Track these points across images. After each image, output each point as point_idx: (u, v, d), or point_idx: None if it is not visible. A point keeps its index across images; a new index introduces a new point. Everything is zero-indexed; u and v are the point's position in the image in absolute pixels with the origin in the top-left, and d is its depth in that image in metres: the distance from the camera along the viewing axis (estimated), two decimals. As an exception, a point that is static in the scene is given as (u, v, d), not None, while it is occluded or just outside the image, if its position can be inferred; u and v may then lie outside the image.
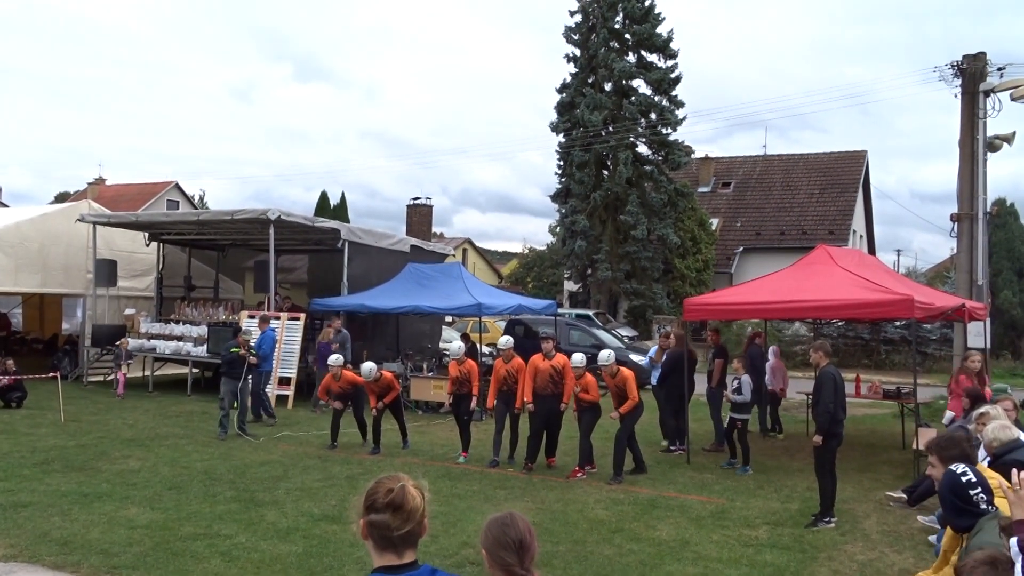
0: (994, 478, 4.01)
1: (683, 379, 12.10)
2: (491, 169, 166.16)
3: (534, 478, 10.25)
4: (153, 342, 18.34)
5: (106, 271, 19.22)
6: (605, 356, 10.42)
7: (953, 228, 16.96)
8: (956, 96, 16.76)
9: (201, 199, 59.48)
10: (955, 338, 17.78)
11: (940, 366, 26.10)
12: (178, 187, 52.77)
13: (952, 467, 3.85)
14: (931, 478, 8.75)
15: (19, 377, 15.24)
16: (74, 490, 8.97)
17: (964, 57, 16.64)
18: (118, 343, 17.76)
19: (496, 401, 11.20)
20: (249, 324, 15.93)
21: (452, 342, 11.90)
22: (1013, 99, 15.93)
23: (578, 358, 10.41)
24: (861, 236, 40.29)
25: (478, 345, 16.24)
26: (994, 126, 16.71)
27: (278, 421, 14.23)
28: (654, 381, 13.15)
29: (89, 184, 51.61)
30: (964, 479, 3.49)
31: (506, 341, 11.42)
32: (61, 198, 55.99)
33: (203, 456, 11.11)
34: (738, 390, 11.08)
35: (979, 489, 3.59)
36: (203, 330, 17.76)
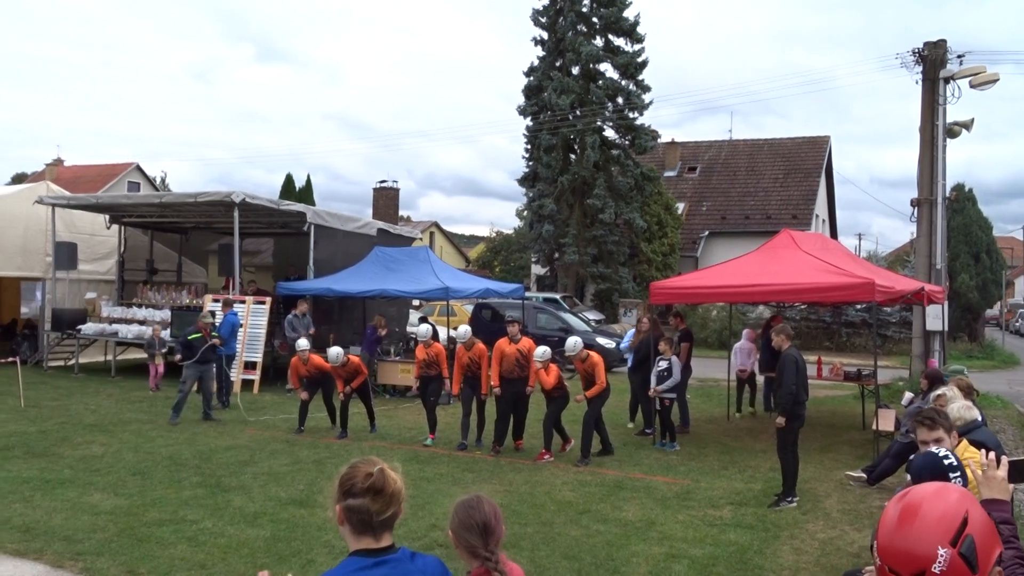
0: (976, 454, 4.09)
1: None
2: (456, 152, 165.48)
3: (502, 461, 10.31)
4: (115, 326, 18.07)
5: (66, 254, 18.86)
6: (572, 344, 10.45)
7: (913, 213, 17.27)
8: (917, 83, 17.02)
9: (163, 181, 58.47)
10: (914, 321, 18.14)
11: (900, 348, 26.64)
12: (139, 169, 51.83)
13: (934, 449, 3.92)
14: (890, 456, 8.99)
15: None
16: (36, 476, 8.85)
17: (925, 44, 16.89)
18: (152, 331, 16.61)
19: (462, 385, 11.23)
20: (214, 307, 15.76)
21: (420, 325, 11.85)
22: (972, 86, 16.23)
23: (540, 352, 10.40)
24: (824, 220, 40.83)
25: (438, 329, 16.26)
26: (953, 112, 16.98)
27: (244, 406, 14.12)
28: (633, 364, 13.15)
29: (47, 165, 50.47)
30: (945, 462, 3.56)
31: (464, 331, 11.36)
32: (18, 179, 54.67)
33: (167, 441, 11.00)
34: (667, 371, 11.30)
35: (958, 473, 3.67)
36: (166, 314, 17.54)
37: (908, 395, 11.78)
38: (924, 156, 16.96)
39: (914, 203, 17.15)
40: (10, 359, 14.90)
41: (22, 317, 22.98)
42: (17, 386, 13.95)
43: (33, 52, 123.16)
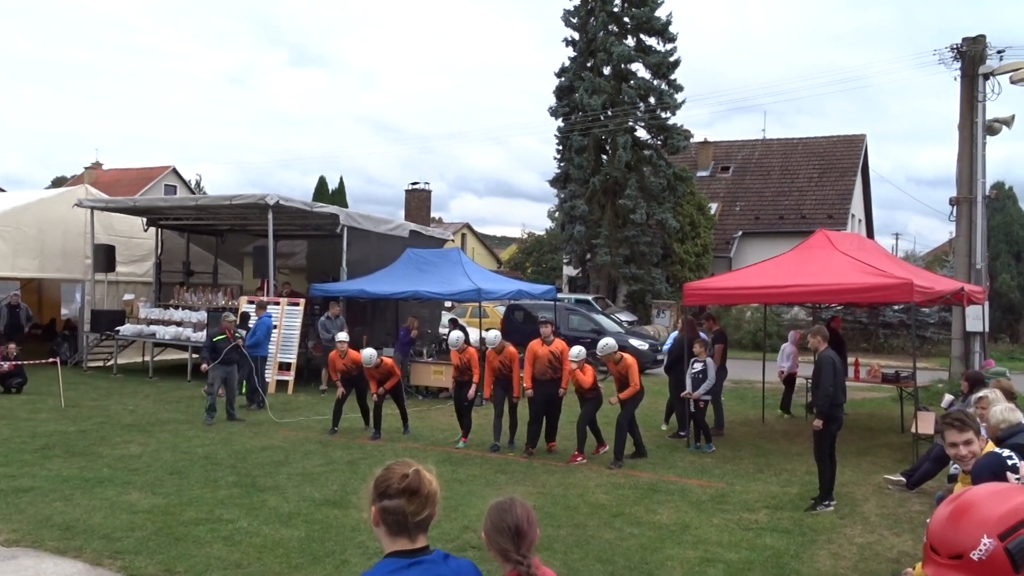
0: None
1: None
2: (487, 154, 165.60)
3: (534, 463, 10.28)
4: (152, 327, 18.34)
5: (104, 256, 19.18)
6: (604, 344, 10.39)
7: (952, 212, 16.95)
8: (956, 79, 16.70)
9: (198, 184, 59.23)
10: (953, 322, 17.81)
11: (939, 350, 26.17)
12: (175, 172, 52.58)
13: (997, 449, 3.84)
14: (930, 460, 8.82)
15: (19, 363, 15.24)
16: (76, 475, 8.99)
17: (964, 40, 16.57)
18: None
19: (494, 387, 11.22)
20: (248, 309, 15.93)
21: (450, 332, 11.84)
22: (1013, 82, 15.88)
23: (575, 352, 10.39)
24: (860, 220, 40.25)
25: (470, 331, 16.28)
26: (993, 109, 16.61)
27: (279, 407, 14.24)
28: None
29: (86, 169, 51.33)
30: (1009, 462, 3.49)
31: (494, 336, 11.29)
32: (58, 183, 55.73)
33: (204, 441, 11.13)
34: (703, 372, 11.20)
35: (1019, 475, 3.60)
36: (202, 315, 17.75)
37: (948, 397, 11.58)
38: (963, 154, 16.64)
39: (953, 202, 16.83)
40: (51, 360, 15.18)
41: (62, 318, 23.44)
42: (57, 386, 14.20)
43: (73, 58, 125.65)
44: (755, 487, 9.16)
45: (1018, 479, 3.27)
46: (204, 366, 12.95)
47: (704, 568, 6.46)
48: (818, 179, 37.33)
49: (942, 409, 11.08)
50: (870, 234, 40.84)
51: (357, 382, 12.08)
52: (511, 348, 11.15)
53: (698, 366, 11.35)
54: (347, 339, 12.21)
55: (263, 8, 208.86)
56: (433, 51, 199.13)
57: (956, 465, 5.01)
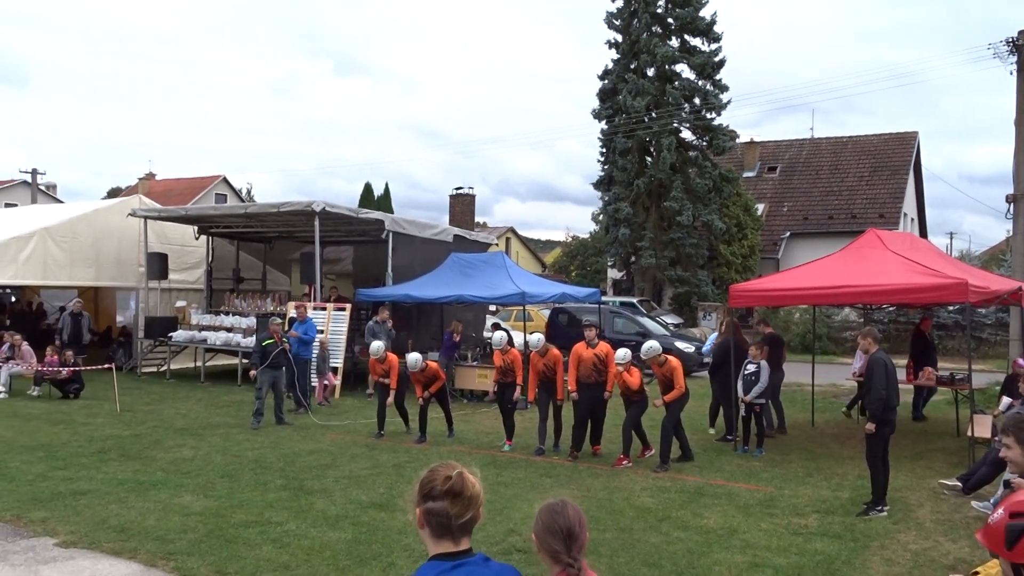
0: None
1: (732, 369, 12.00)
2: (529, 158, 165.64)
3: (580, 466, 10.25)
4: (204, 333, 18.69)
5: (157, 264, 19.62)
6: (648, 348, 10.29)
7: (1009, 209, 16.49)
8: (1012, 73, 16.27)
9: (248, 192, 60.39)
10: (1011, 322, 17.30)
11: (995, 351, 25.46)
12: (226, 181, 53.64)
13: None
14: (987, 464, 8.59)
15: (77, 369, 15.66)
16: (130, 478, 9.20)
17: (1020, 33, 16.13)
18: (320, 346, 15.97)
19: (538, 390, 11.21)
20: (293, 315, 16.12)
21: (494, 333, 11.85)
22: (1072, 75, 15.41)
23: (621, 354, 10.33)
24: (912, 219, 39.40)
25: (514, 335, 16.29)
26: (1052, 103, 16.12)
27: (325, 411, 14.41)
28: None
29: (140, 179, 52.67)
30: None
31: (537, 339, 11.33)
32: (113, 193, 57.30)
33: (253, 445, 11.30)
34: (755, 375, 11.03)
35: None
36: (252, 321, 18.05)
37: (1006, 400, 11.24)
38: (1020, 150, 16.18)
39: (1010, 199, 16.38)
40: (107, 365, 15.56)
41: (117, 325, 24.00)
42: (113, 391, 14.56)
43: (125, 73, 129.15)
44: (805, 491, 9.00)
45: None
46: (253, 372, 13.15)
47: (752, 573, 6.36)
48: (869, 178, 36.64)
49: (1000, 412, 10.77)
50: (923, 233, 39.94)
51: (399, 383, 12.08)
52: (555, 351, 11.14)
53: (751, 367, 11.19)
54: (380, 349, 12.12)
55: (307, 19, 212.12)
56: (474, 57, 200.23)
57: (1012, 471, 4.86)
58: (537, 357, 11.10)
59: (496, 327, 16.44)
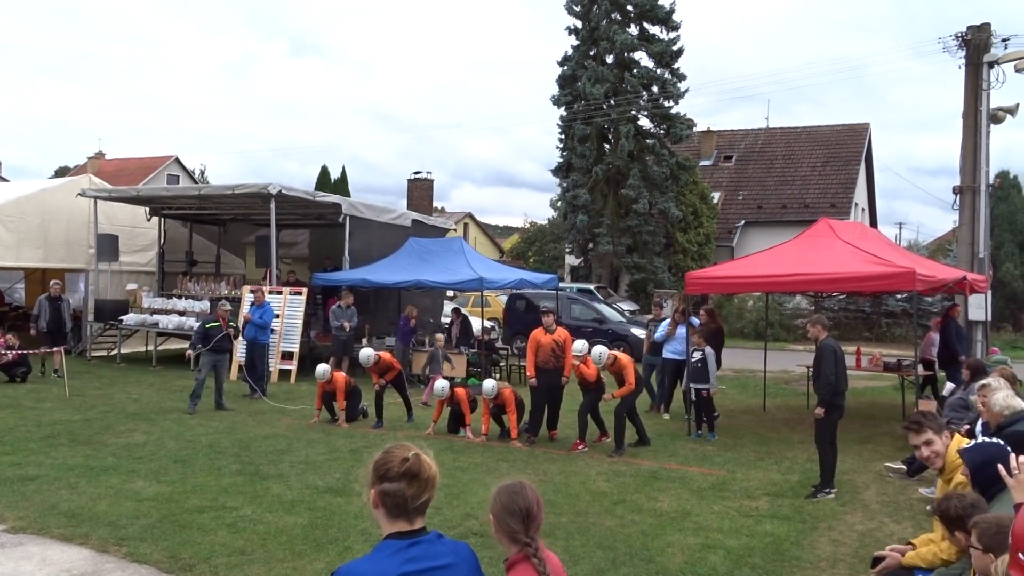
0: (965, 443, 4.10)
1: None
2: (487, 144, 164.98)
3: (536, 450, 10.33)
4: (156, 317, 18.38)
5: (108, 246, 19.21)
6: (597, 355, 10.21)
7: (955, 201, 16.90)
8: (960, 68, 16.64)
9: (202, 173, 59.28)
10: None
11: (941, 339, 26.13)
12: (178, 161, 52.59)
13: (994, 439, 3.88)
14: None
15: (24, 352, 15.29)
16: (80, 463, 9.04)
17: (968, 28, 16.49)
18: (435, 345, 15.04)
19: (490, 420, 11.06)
20: (250, 298, 15.95)
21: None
22: (1017, 70, 15.83)
23: (579, 346, 10.38)
24: (863, 209, 40.19)
25: (472, 321, 16.30)
26: (997, 98, 16.57)
27: (279, 395, 14.29)
28: (667, 355, 13.00)
29: (89, 159, 51.36)
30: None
31: (490, 388, 10.79)
32: (61, 172, 55.81)
33: (207, 430, 11.18)
34: (702, 362, 11.24)
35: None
36: (205, 305, 17.80)
37: (949, 386, 11.59)
38: (967, 143, 16.58)
39: (956, 190, 16.79)
40: (55, 349, 15.21)
41: (66, 308, 23.46)
42: (62, 375, 14.24)
43: (75, 49, 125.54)
44: (756, 475, 9.20)
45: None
46: (189, 352, 13.00)
47: (705, 554, 6.50)
48: (821, 168, 37.26)
49: (943, 397, 11.11)
50: (873, 223, 40.78)
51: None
52: (507, 391, 10.85)
53: (697, 355, 11.39)
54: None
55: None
56: (432, 41, 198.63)
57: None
58: (487, 400, 10.91)
59: (456, 312, 16.42)
